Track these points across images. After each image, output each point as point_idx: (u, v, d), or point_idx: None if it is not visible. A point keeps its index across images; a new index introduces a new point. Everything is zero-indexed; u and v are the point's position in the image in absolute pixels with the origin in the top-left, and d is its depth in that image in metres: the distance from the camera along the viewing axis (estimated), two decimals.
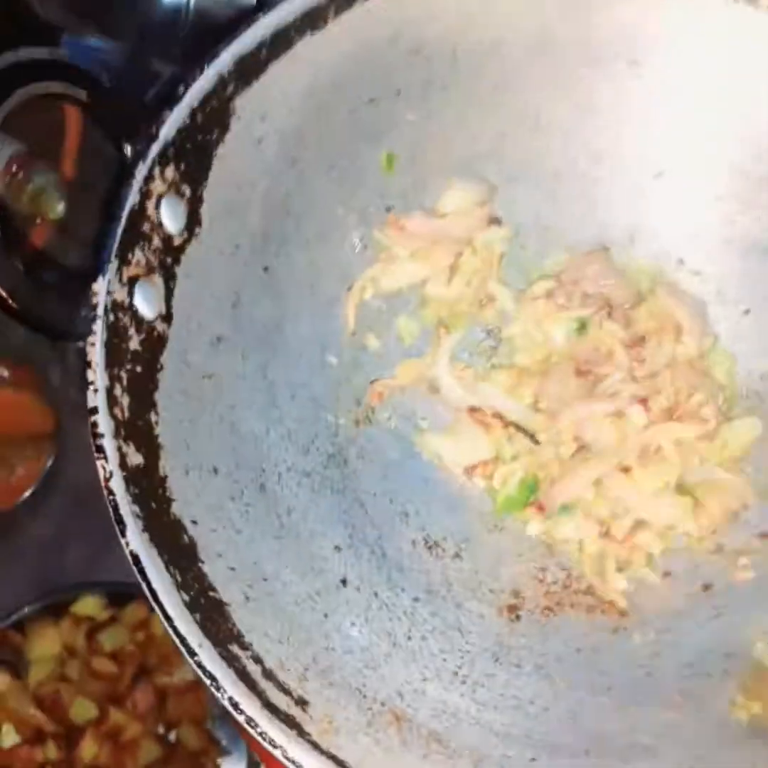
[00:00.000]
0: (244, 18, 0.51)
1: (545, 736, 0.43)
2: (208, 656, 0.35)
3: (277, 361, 0.52)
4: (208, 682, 0.34)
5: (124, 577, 0.82)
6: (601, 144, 0.60)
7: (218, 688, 0.35)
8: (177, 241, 0.48)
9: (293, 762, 0.34)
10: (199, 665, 0.35)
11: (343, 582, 0.47)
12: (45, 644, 0.79)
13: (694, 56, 0.57)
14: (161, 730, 0.78)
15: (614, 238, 0.61)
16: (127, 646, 0.79)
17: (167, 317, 0.46)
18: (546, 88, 0.59)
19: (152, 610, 0.82)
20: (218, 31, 0.51)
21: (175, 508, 0.41)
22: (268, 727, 0.34)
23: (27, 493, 0.83)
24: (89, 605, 0.81)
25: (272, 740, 0.34)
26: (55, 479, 0.86)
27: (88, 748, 0.76)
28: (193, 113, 0.48)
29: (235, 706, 0.34)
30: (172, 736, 0.78)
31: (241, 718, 0.34)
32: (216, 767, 0.78)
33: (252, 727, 0.34)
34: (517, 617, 0.50)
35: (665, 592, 0.51)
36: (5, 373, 0.90)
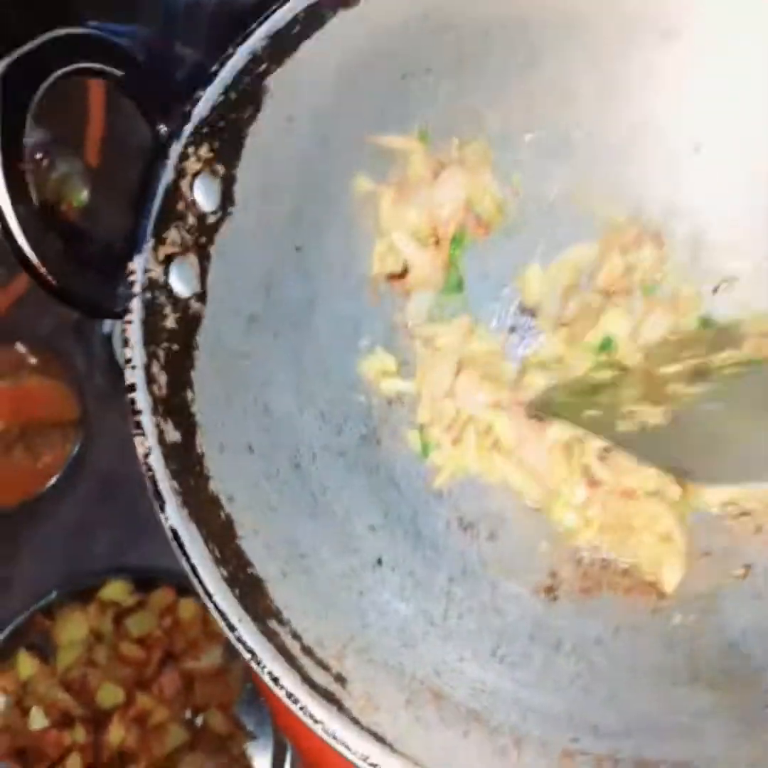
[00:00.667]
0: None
1: (586, 716, 0.43)
2: (247, 631, 0.35)
3: (308, 341, 0.52)
4: (247, 656, 0.34)
5: (150, 562, 0.83)
6: (635, 117, 0.59)
7: (258, 663, 0.34)
8: (211, 220, 0.48)
9: (334, 736, 0.34)
10: (239, 640, 0.35)
11: (379, 561, 0.47)
12: (73, 629, 0.80)
13: (727, 26, 0.56)
14: (188, 714, 0.79)
15: (650, 215, 0.60)
16: (154, 631, 0.80)
17: (202, 296, 0.46)
18: (577, 62, 0.58)
19: (180, 594, 0.84)
20: (241, 16, 0.51)
21: (212, 485, 0.41)
22: (309, 701, 0.34)
23: (53, 480, 0.85)
24: (116, 590, 0.82)
25: (313, 715, 0.34)
26: (81, 466, 0.87)
27: (116, 732, 0.76)
28: (226, 91, 0.48)
29: (275, 680, 0.34)
30: (198, 721, 0.79)
31: (281, 693, 0.34)
32: (242, 751, 0.79)
33: (292, 702, 0.34)
34: (554, 598, 0.49)
35: (706, 572, 0.50)
36: (33, 361, 0.91)
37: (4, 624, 0.80)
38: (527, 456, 0.52)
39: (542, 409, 0.53)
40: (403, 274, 0.56)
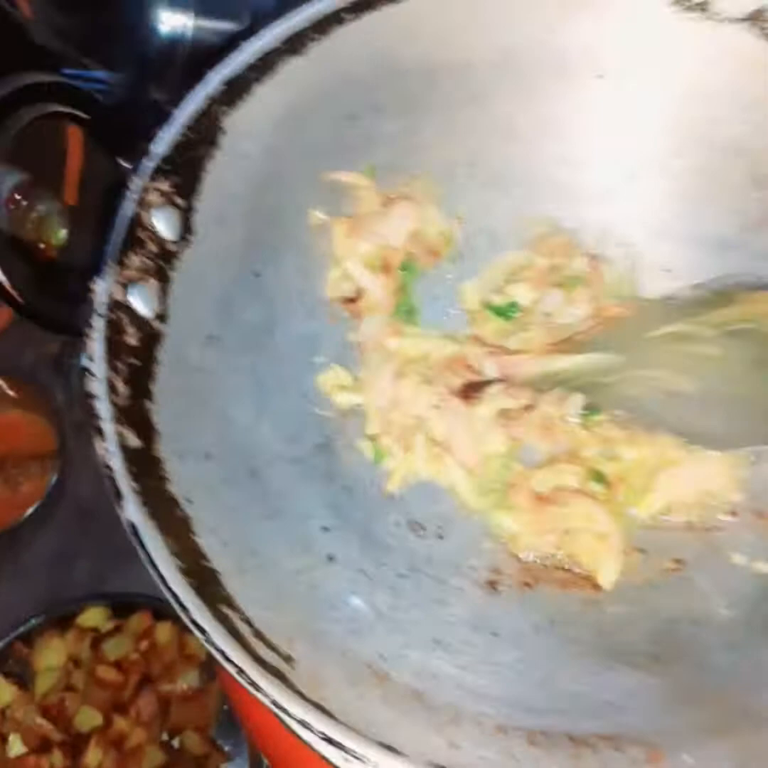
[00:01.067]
0: (233, 44, 0.56)
1: (521, 697, 0.46)
2: (199, 613, 0.39)
3: (266, 360, 0.56)
4: (199, 635, 0.38)
5: (128, 589, 0.86)
6: (573, 150, 0.64)
7: (209, 641, 0.38)
8: (172, 248, 0.52)
9: (280, 707, 0.37)
10: (192, 621, 0.38)
11: (331, 558, 0.50)
12: (51, 655, 0.82)
13: (654, 66, 0.62)
14: (165, 736, 0.81)
15: (585, 242, 0.65)
16: (130, 655, 0.82)
17: (163, 316, 0.50)
18: (516, 100, 0.63)
19: (157, 618, 0.86)
20: (214, 59, 0.56)
21: (171, 487, 0.45)
22: (257, 676, 0.37)
23: (31, 510, 0.87)
24: (94, 616, 0.84)
25: (260, 687, 0.37)
26: (59, 496, 0.90)
27: (93, 755, 0.78)
28: (185, 131, 0.53)
29: (225, 656, 0.38)
30: (175, 743, 0.81)
31: (230, 669, 0.37)
32: None
33: (241, 676, 0.37)
34: (497, 591, 0.53)
35: (639, 567, 0.54)
36: (12, 394, 0.95)
37: None
38: (467, 460, 0.56)
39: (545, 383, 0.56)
40: (356, 298, 0.60)
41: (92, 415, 0.43)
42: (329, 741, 0.36)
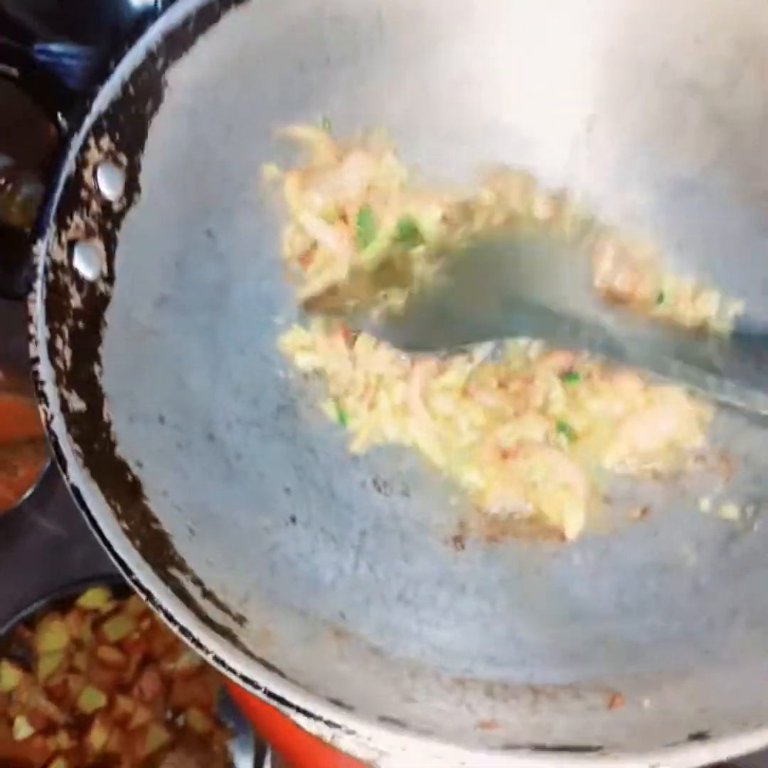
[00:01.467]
0: None
1: (482, 650, 0.45)
2: (144, 576, 0.38)
3: (223, 320, 0.55)
4: (143, 596, 0.37)
5: None
6: (529, 98, 0.62)
7: (153, 603, 0.37)
8: (116, 207, 0.51)
9: (223, 664, 0.36)
10: (136, 583, 0.38)
11: (292, 519, 0.50)
12: (53, 638, 0.82)
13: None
14: (169, 715, 0.81)
15: (549, 190, 0.63)
16: (132, 635, 0.82)
17: (109, 278, 0.49)
18: (469, 45, 0.61)
19: None
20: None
21: (119, 451, 0.44)
22: (201, 635, 0.37)
23: (28, 494, 0.87)
24: (94, 598, 0.84)
25: (205, 647, 0.37)
26: (55, 479, 0.90)
27: (98, 735, 0.78)
28: (124, 86, 0.51)
29: (169, 617, 0.37)
30: (179, 721, 0.81)
31: (174, 628, 0.37)
32: (223, 749, 0.81)
33: (185, 636, 0.37)
34: (462, 546, 0.52)
35: (606, 516, 0.53)
36: (3, 379, 0.94)
37: None
38: (428, 415, 0.55)
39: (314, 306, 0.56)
40: (310, 253, 0.59)
41: (34, 380, 0.42)
42: (274, 697, 0.35)
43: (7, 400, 0.94)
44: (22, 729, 0.80)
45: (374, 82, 0.60)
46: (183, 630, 0.36)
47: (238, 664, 0.36)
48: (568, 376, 0.55)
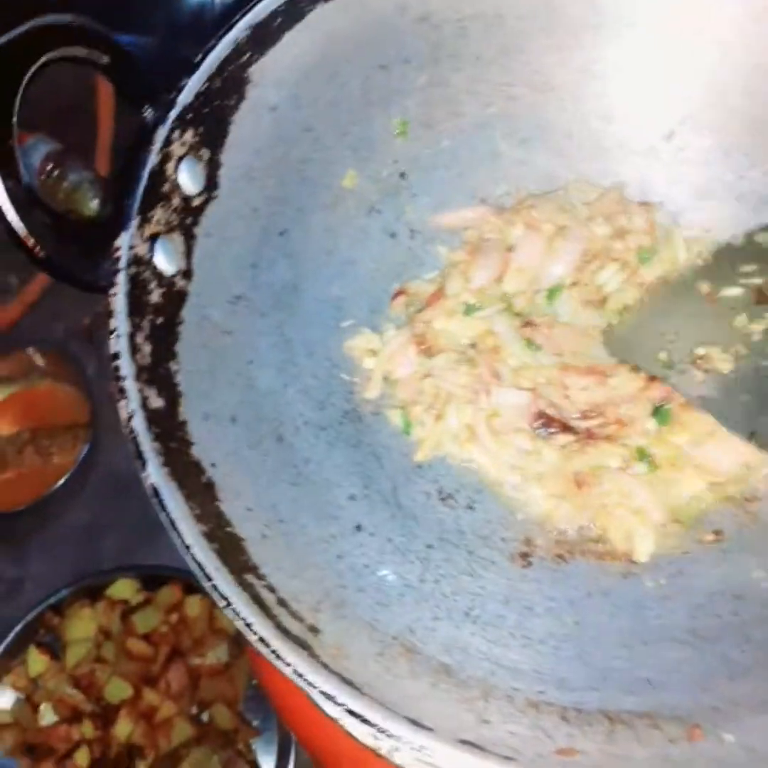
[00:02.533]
0: None
1: (553, 672, 0.44)
2: (223, 580, 0.37)
3: (294, 321, 0.54)
4: (222, 604, 0.36)
5: (157, 562, 0.85)
6: (611, 105, 0.61)
7: (233, 610, 0.36)
8: (196, 202, 0.50)
9: (304, 678, 0.35)
10: (215, 588, 0.37)
11: (358, 527, 0.49)
12: (81, 626, 0.82)
13: (691, 13, 0.58)
14: (194, 710, 0.80)
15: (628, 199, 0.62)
16: (160, 628, 0.82)
17: (188, 273, 0.48)
18: (552, 52, 0.60)
19: (186, 592, 0.85)
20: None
21: (195, 451, 0.43)
22: (280, 645, 0.36)
23: (63, 481, 0.87)
24: (124, 588, 0.84)
25: (283, 658, 0.36)
26: (90, 468, 0.90)
27: (123, 726, 0.78)
28: (210, 80, 0.51)
29: (249, 626, 0.36)
30: (205, 716, 0.80)
31: (253, 638, 0.36)
32: (247, 746, 0.80)
33: (264, 646, 0.36)
34: (529, 564, 0.51)
35: (677, 539, 0.52)
36: (44, 365, 0.94)
37: (15, 621, 0.81)
38: (496, 445, 0.54)
39: (613, 347, 0.54)
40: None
41: (115, 375, 0.41)
42: (354, 715, 0.34)
43: (46, 386, 0.95)
44: (47, 715, 0.79)
45: (452, 86, 0.59)
46: (262, 640, 0.36)
47: (318, 678, 0.35)
48: (657, 409, 0.54)
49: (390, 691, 0.38)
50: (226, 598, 0.36)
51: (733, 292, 0.57)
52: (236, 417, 0.48)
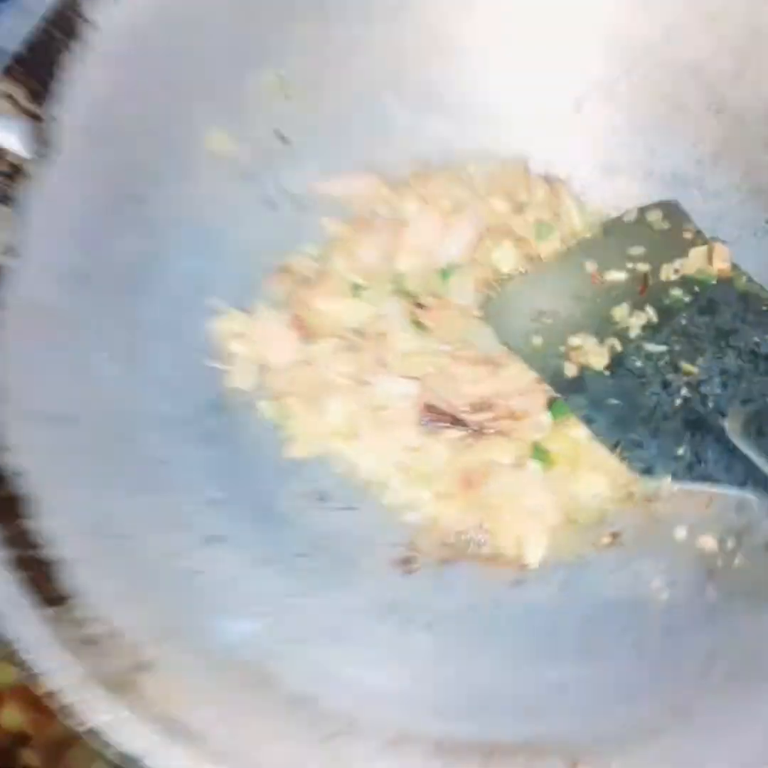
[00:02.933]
0: None
1: (428, 698, 0.40)
2: (22, 619, 0.31)
3: (148, 300, 0.48)
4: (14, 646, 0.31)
5: None
6: (516, 70, 0.56)
7: (28, 656, 0.31)
8: (25, 165, 0.43)
9: (115, 733, 0.30)
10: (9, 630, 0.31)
11: (216, 538, 0.43)
12: None
13: None
14: None
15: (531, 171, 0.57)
16: None
17: (13, 249, 0.42)
18: (454, 9, 0.54)
19: None
20: None
21: (6, 458, 0.37)
22: (90, 696, 0.30)
23: None
24: None
25: (95, 709, 0.30)
26: None
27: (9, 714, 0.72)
28: (41, 23, 0.44)
29: (47, 674, 0.30)
30: None
31: (50, 688, 0.30)
32: None
33: (69, 696, 0.30)
34: (411, 570, 0.46)
35: (572, 541, 0.48)
36: None
37: None
38: (384, 430, 0.49)
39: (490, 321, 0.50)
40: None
41: None
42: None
43: None
44: None
45: (337, 43, 0.53)
46: (64, 689, 0.30)
47: (136, 732, 0.30)
48: (553, 402, 0.49)
49: (229, 735, 0.33)
50: (19, 639, 0.30)
51: (618, 275, 0.52)
52: (70, 414, 0.42)
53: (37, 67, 0.44)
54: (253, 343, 0.50)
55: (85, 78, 0.46)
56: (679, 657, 0.41)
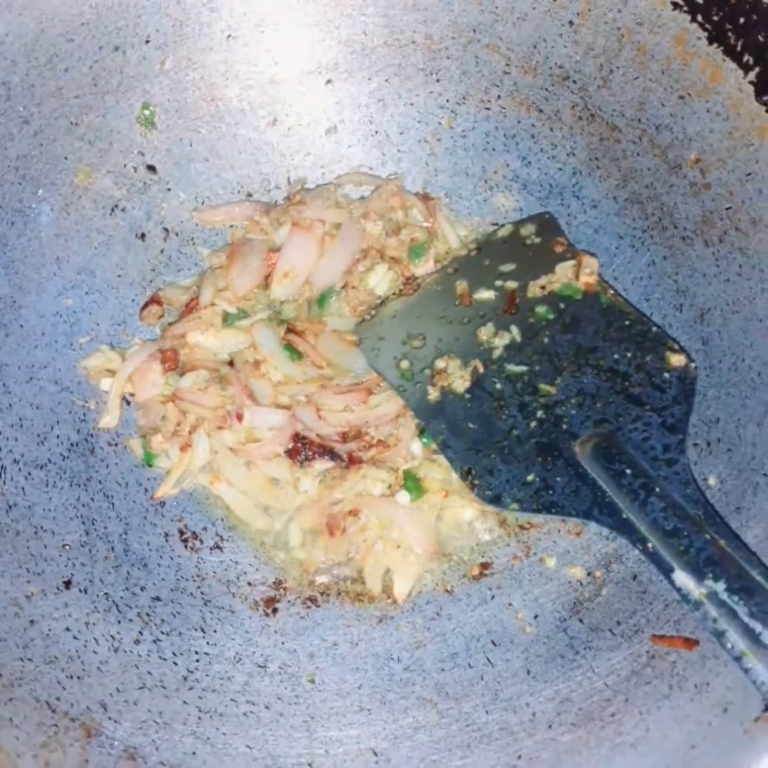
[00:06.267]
0: None
1: (268, 747, 0.39)
2: None
3: (10, 341, 0.47)
4: None
5: None
6: (380, 88, 0.55)
7: None
8: None
9: None
10: None
11: (67, 584, 0.42)
12: None
13: None
14: None
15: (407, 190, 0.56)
16: None
17: None
18: (318, 26, 0.54)
19: None
20: None
21: None
22: None
23: None
24: None
25: None
26: None
27: None
28: None
29: None
30: None
31: None
32: None
33: None
34: (274, 611, 0.45)
35: (442, 573, 0.47)
36: None
37: None
38: (248, 477, 0.48)
39: (362, 346, 0.49)
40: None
41: None
42: None
43: None
44: None
45: (206, 67, 0.52)
46: None
47: None
48: (424, 432, 0.49)
49: None
50: None
51: (486, 295, 0.51)
52: None
53: None
54: (119, 379, 0.50)
55: None
56: (532, 702, 0.40)
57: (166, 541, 0.47)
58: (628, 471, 0.41)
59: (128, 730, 0.38)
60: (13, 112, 0.48)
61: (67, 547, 0.44)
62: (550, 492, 0.43)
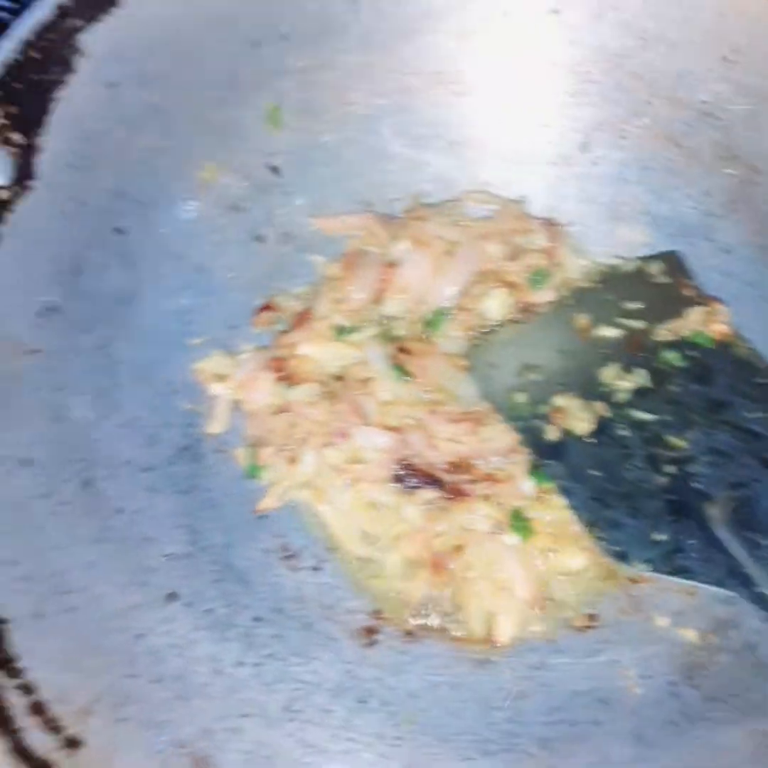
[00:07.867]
0: None
1: None
2: None
3: (125, 338, 0.46)
4: None
5: None
6: (519, 105, 0.53)
7: None
8: (3, 196, 0.42)
9: None
10: None
11: (172, 596, 0.42)
12: None
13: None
14: None
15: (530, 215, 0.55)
16: None
17: None
18: (455, 39, 0.52)
19: None
20: None
21: None
22: None
23: None
24: None
25: None
26: None
27: None
28: (26, 48, 0.42)
29: None
30: None
31: None
32: None
33: None
34: (373, 642, 0.44)
35: (545, 621, 0.46)
36: None
37: None
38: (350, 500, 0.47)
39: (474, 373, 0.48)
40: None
41: None
42: None
43: None
44: None
45: (339, 70, 0.51)
46: None
47: None
48: (537, 466, 0.47)
49: None
50: None
51: (610, 332, 0.50)
52: (32, 458, 0.40)
53: (17, 92, 0.42)
54: (230, 386, 0.49)
55: (71, 104, 0.44)
56: None
57: (266, 557, 0.46)
58: (765, 543, 0.40)
59: (233, 761, 0.37)
60: (147, 101, 0.47)
61: (172, 557, 0.43)
62: (682, 555, 0.42)
